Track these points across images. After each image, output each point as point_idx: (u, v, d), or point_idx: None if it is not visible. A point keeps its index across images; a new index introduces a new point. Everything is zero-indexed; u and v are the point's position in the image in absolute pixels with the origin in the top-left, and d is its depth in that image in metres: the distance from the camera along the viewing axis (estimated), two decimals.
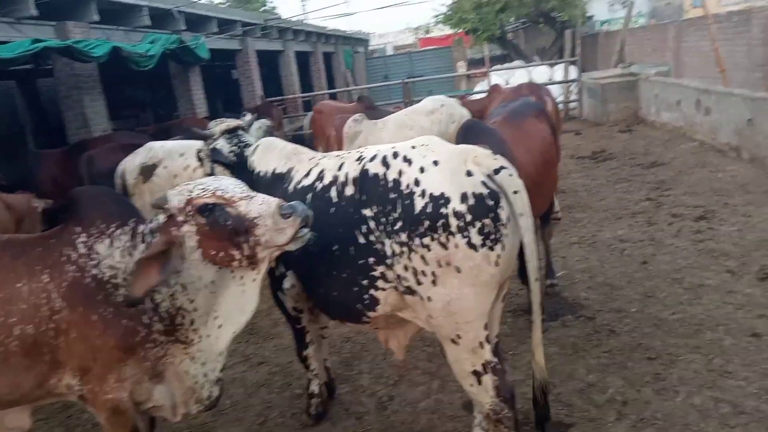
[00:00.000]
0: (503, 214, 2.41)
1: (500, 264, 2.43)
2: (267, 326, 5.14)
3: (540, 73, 18.88)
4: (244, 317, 2.59)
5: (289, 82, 19.06)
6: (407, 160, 2.54)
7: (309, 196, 2.90)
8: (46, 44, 7.63)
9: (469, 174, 2.41)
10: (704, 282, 4.75)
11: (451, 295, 2.44)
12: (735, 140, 8.34)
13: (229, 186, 2.49)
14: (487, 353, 2.53)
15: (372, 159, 2.65)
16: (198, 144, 7.03)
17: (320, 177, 2.91)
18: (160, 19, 11.97)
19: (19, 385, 2.52)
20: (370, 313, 2.76)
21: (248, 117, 4.82)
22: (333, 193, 2.77)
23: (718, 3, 39.37)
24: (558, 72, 18.10)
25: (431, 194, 2.41)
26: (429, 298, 2.49)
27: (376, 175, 2.58)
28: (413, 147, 2.59)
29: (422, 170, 2.48)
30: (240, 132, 3.76)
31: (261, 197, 2.46)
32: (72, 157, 7.70)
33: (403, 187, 2.48)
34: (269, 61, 19.57)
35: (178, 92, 13.55)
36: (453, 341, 2.53)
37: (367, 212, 2.59)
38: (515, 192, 2.44)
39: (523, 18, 23.08)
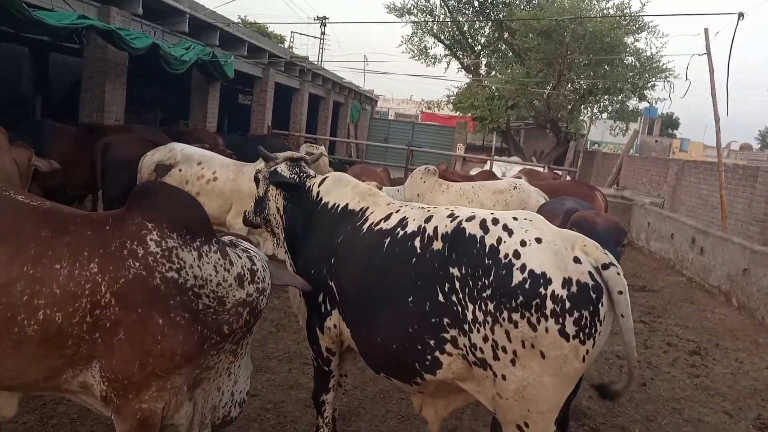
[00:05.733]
0: (602, 310, 2.36)
1: (586, 360, 2.36)
2: (259, 358, 4.90)
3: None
4: None
5: (297, 119, 19.24)
6: (508, 230, 2.49)
7: (387, 240, 2.82)
8: (93, 23, 7.57)
9: (576, 260, 2.37)
10: (703, 418, 4.74)
11: (529, 379, 2.35)
12: (726, 285, 8.59)
13: None
14: None
15: (469, 219, 2.60)
16: (218, 157, 6.99)
17: (402, 224, 2.84)
18: (197, 29, 12.04)
19: (24, 374, 2.25)
20: (428, 376, 2.63)
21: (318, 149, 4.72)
22: (417, 243, 2.70)
23: (702, 152, 41.80)
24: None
25: (531, 270, 2.35)
26: (503, 377, 2.39)
27: (473, 236, 2.52)
28: (515, 218, 2.55)
29: (523, 244, 2.43)
30: (302, 164, 3.70)
31: None
32: (86, 138, 7.50)
33: (501, 255, 2.42)
34: (282, 96, 19.78)
35: (194, 102, 13.49)
36: (519, 427, 2.42)
37: (455, 271, 2.51)
38: (620, 292, 2.39)
39: (529, 119, 23.96)
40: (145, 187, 2.52)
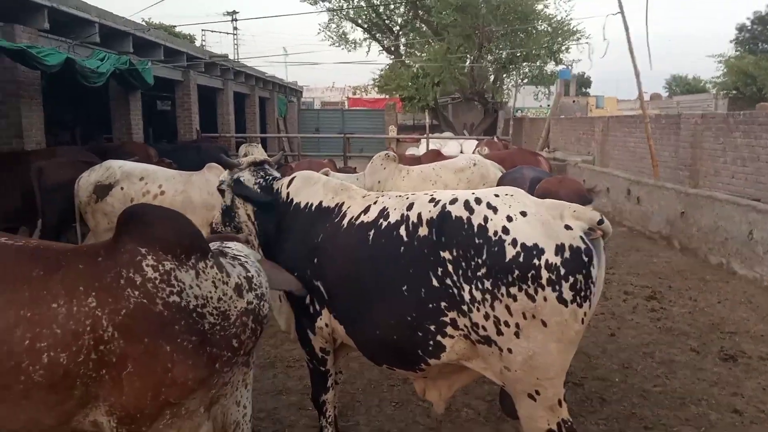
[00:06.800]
0: (594, 272, 2.44)
1: (585, 322, 2.44)
2: None
3: (471, 146, 19.80)
4: None
5: (225, 120, 18.73)
6: (492, 208, 2.52)
7: (371, 232, 2.80)
8: (0, 43, 7.04)
9: (567, 228, 2.43)
10: (674, 358, 5.01)
11: (534, 349, 2.40)
12: (666, 230, 9.06)
13: None
14: (564, 412, 2.49)
15: (452, 202, 2.62)
16: (160, 170, 6.71)
17: (383, 214, 2.83)
18: (108, 38, 11.49)
19: (38, 423, 2.13)
20: (432, 361, 2.65)
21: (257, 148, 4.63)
22: (402, 231, 2.70)
23: (616, 107, 43.61)
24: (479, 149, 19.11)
25: (523, 243, 2.40)
26: (509, 350, 2.44)
27: (459, 218, 2.54)
28: (496, 195, 2.59)
29: (510, 219, 2.47)
30: (267, 167, 3.61)
31: None
32: (4, 167, 7.05)
33: (490, 233, 2.45)
34: (205, 98, 19.22)
35: (116, 115, 12.90)
36: (530, 396, 2.48)
37: (446, 254, 2.53)
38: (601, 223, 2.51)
39: (456, 94, 24.30)
40: (131, 211, 2.38)
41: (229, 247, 2.63)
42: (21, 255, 2.17)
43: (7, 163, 7.04)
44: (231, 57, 23.49)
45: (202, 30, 40.38)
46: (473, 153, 9.94)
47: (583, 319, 2.42)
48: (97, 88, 11.35)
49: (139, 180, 6.41)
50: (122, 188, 6.36)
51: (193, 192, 6.08)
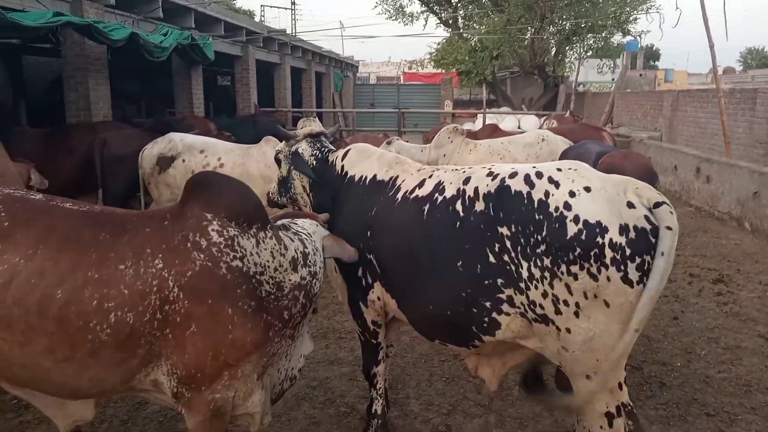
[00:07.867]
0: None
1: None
2: None
3: (529, 121, 19.31)
4: None
5: (282, 95, 18.92)
6: (554, 182, 2.42)
7: (426, 206, 2.75)
8: (69, 18, 7.29)
9: (630, 205, 2.31)
10: (740, 344, 4.78)
11: (595, 330, 2.32)
12: (737, 210, 8.60)
13: None
14: (624, 395, 2.41)
15: (512, 176, 2.53)
16: (219, 143, 6.84)
17: (439, 189, 2.77)
18: (171, 13, 11.72)
19: (103, 380, 2.23)
20: (486, 338, 2.60)
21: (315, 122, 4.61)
22: (459, 206, 2.63)
23: (687, 81, 41.26)
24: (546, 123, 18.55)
25: (585, 221, 2.29)
26: (568, 330, 2.36)
27: (519, 192, 2.45)
28: (559, 169, 2.48)
29: (572, 194, 2.37)
30: (323, 138, 3.61)
31: None
32: (53, 140, 7.31)
33: (551, 209, 2.36)
34: (263, 73, 19.43)
35: (178, 89, 13.22)
36: (588, 377, 2.40)
37: (504, 230, 2.46)
38: (668, 228, 2.32)
39: (515, 68, 23.67)
40: (199, 178, 2.49)
41: (295, 223, 2.68)
42: (86, 219, 2.25)
43: (50, 136, 7.32)
44: (289, 32, 23.57)
45: (261, 5, 40.83)
46: (541, 127, 9.63)
47: None
48: (162, 63, 11.66)
49: (200, 153, 6.55)
50: (183, 160, 6.52)
51: (251, 164, 6.17)
